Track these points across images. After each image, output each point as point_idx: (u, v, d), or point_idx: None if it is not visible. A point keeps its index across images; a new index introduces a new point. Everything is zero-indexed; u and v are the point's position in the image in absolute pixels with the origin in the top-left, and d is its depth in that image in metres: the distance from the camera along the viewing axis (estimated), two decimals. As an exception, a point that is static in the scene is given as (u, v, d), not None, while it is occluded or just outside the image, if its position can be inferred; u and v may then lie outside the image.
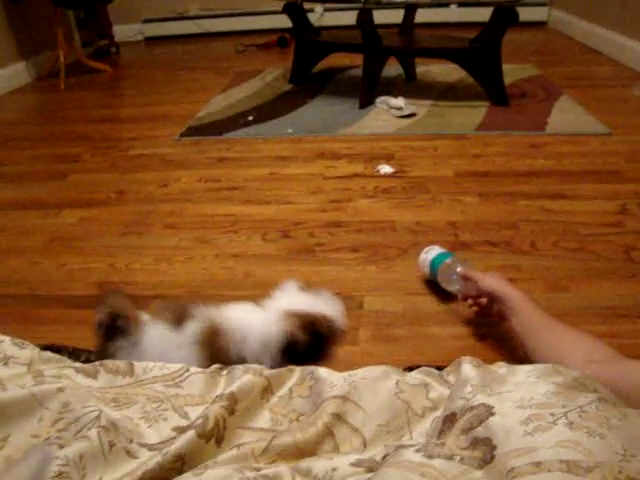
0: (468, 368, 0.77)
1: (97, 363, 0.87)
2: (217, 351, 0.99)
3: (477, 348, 1.27)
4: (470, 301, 1.31)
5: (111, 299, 1.06)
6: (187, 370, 0.86)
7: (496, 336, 1.28)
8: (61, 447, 0.65)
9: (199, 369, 0.86)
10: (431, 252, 1.47)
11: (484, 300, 1.26)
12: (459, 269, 1.35)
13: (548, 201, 1.89)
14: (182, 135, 2.67)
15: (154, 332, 1.00)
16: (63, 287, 1.58)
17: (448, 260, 1.41)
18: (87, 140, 2.70)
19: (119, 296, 1.10)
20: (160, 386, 0.82)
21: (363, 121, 2.72)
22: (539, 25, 4.78)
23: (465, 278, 1.31)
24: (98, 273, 1.63)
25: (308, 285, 1.12)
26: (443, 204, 1.92)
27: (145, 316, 1.03)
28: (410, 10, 3.24)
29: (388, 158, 2.27)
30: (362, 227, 1.79)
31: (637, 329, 1.31)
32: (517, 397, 0.68)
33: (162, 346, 0.98)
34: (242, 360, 0.97)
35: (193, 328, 1.00)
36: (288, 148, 2.46)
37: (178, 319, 1.01)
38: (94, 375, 0.83)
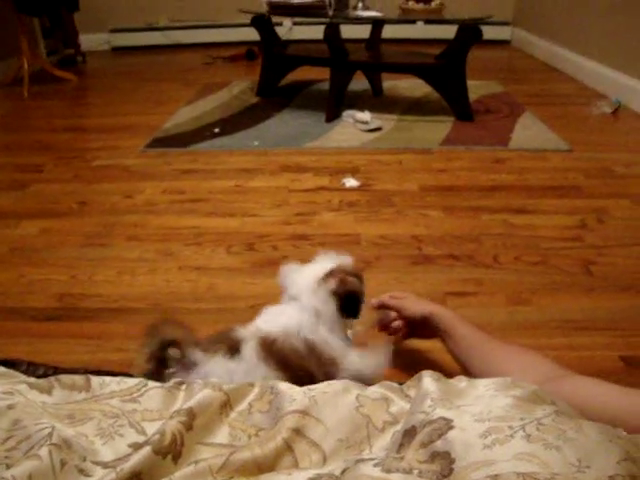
0: (428, 382, 0.77)
1: (52, 378, 0.84)
2: (281, 357, 0.98)
3: (438, 362, 1.27)
4: (387, 331, 1.23)
5: (164, 328, 1.00)
6: (145, 385, 0.84)
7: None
8: (8, 467, 0.62)
9: (157, 384, 0.84)
10: None
11: (398, 322, 1.20)
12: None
13: (510, 215, 1.92)
14: (147, 146, 2.64)
15: (216, 366, 0.96)
16: (22, 299, 1.54)
17: None
18: (50, 150, 2.66)
19: (173, 326, 1.03)
20: (117, 401, 0.80)
21: (329, 135, 2.73)
22: (503, 43, 4.90)
23: (382, 307, 1.22)
24: (59, 285, 1.59)
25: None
26: (407, 218, 1.93)
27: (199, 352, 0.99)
28: (377, 25, 3.28)
29: (354, 172, 2.29)
30: (327, 240, 1.79)
31: (596, 342, 1.33)
32: (476, 410, 0.68)
33: (227, 378, 0.94)
34: (309, 345, 1.00)
35: (250, 349, 0.98)
36: (254, 161, 2.45)
37: (232, 348, 0.98)
38: (49, 391, 0.80)
